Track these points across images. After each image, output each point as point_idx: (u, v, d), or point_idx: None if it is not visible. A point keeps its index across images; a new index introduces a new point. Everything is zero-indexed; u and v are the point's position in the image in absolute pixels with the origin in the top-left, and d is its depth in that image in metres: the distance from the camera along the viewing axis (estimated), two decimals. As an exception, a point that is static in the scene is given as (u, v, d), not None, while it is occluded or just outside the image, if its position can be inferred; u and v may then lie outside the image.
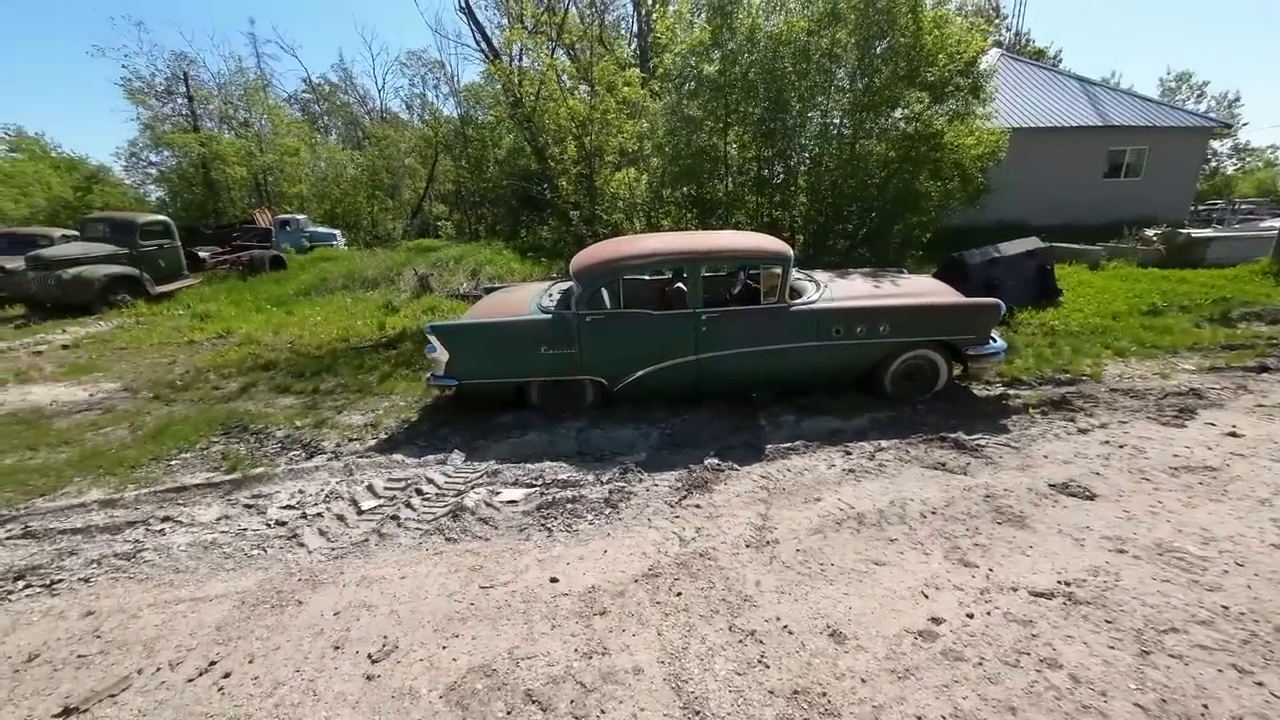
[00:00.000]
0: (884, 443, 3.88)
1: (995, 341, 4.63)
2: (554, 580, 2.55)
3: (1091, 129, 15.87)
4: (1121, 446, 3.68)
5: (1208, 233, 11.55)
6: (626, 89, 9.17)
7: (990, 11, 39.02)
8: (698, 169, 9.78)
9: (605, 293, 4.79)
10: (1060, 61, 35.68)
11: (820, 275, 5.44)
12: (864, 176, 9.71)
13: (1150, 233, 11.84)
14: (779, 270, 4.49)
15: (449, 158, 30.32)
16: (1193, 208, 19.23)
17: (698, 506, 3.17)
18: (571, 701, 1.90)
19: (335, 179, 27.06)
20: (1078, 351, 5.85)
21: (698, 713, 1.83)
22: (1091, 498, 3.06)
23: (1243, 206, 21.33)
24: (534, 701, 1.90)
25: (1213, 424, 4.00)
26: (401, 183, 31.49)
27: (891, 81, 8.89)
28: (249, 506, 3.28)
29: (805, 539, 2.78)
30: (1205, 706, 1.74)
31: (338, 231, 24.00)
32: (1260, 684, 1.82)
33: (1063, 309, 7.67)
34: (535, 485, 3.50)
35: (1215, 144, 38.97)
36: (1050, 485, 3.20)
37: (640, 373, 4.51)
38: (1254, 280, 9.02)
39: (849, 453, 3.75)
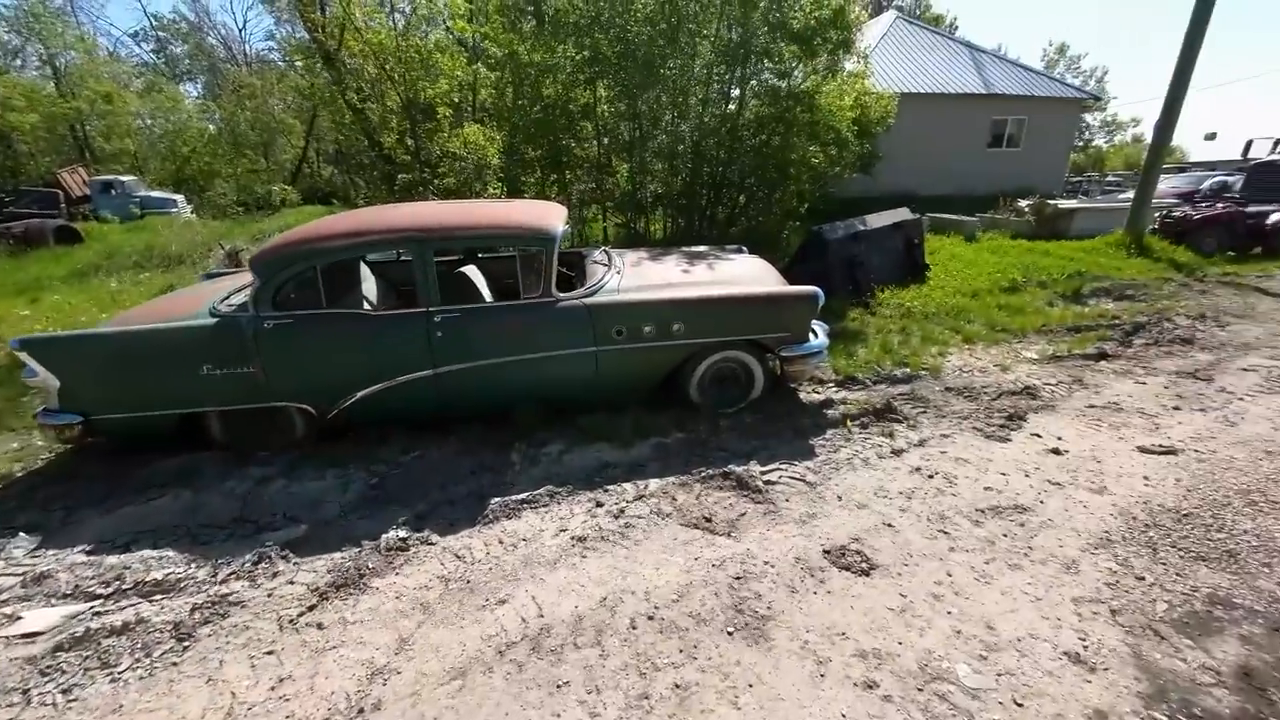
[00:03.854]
0: (652, 484, 2.96)
1: (815, 338, 3.83)
2: None
3: (977, 97, 15.86)
4: (932, 477, 2.97)
5: (1073, 204, 11.74)
6: (458, 23, 7.55)
7: (895, -25, 39.43)
8: (552, 125, 8.42)
9: (322, 285, 3.48)
10: (956, 29, 36.66)
11: (628, 256, 4.43)
12: (739, 138, 8.77)
13: (1023, 204, 11.88)
14: (540, 254, 3.41)
15: (328, 111, 26.59)
16: (1067, 179, 20.16)
17: (319, 626, 2.09)
18: None
19: (180, 134, 22.88)
20: (927, 339, 5.27)
21: None
22: (869, 571, 2.27)
23: (1110, 179, 22.75)
24: None
25: (1038, 435, 3.40)
26: (275, 140, 27.35)
27: (760, 27, 7.87)
28: None
29: (429, 694, 1.78)
30: None
31: (179, 197, 20.47)
32: None
33: (926, 287, 7.20)
34: (101, 595, 2.28)
35: (1088, 117, 41.99)
36: (826, 552, 2.39)
37: (360, 394, 3.33)
38: (1108, 252, 9.07)
39: (600, 503, 2.80)
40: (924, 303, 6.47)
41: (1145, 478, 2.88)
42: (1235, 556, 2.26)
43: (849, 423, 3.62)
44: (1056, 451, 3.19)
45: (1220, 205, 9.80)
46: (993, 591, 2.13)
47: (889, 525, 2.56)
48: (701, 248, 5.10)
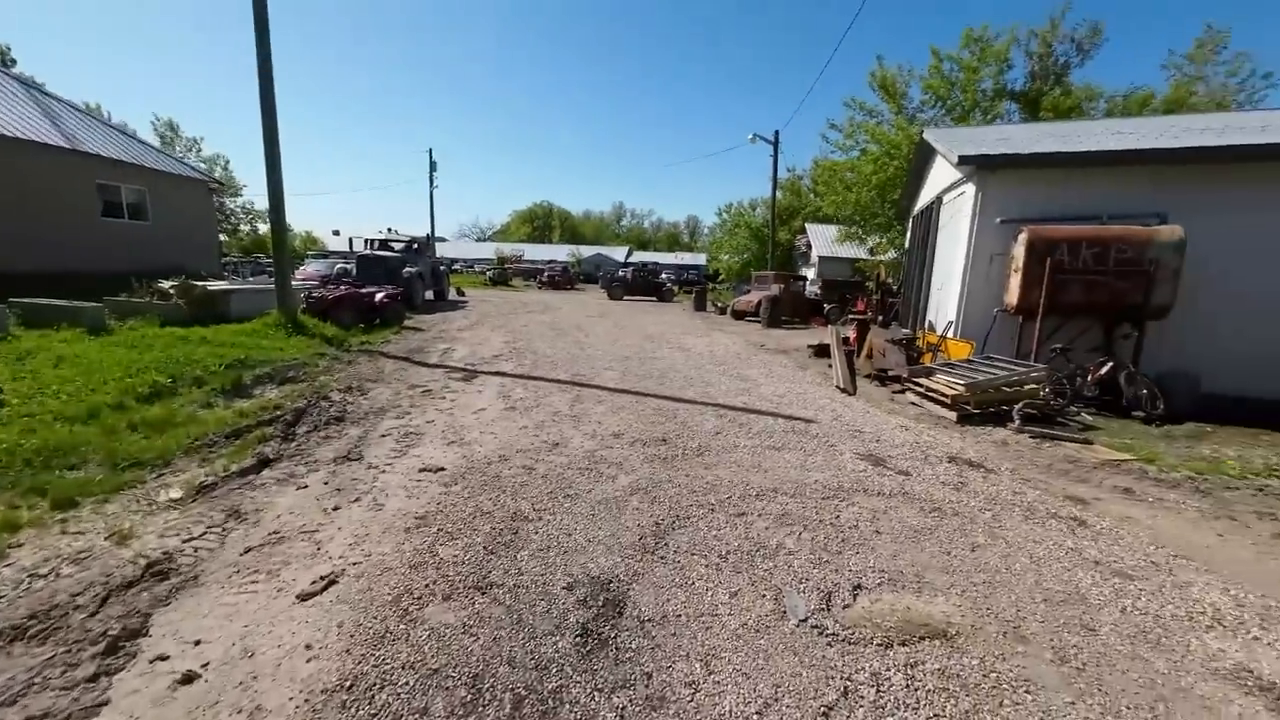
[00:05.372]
0: None
1: None
2: None
3: (68, 154, 12.41)
4: None
5: (225, 285, 11.21)
6: None
7: None
8: None
9: None
10: (14, 63, 29.13)
11: None
12: None
13: (166, 285, 10.20)
14: None
15: None
16: (226, 259, 19.91)
17: None
18: None
19: None
20: (-34, 533, 2.88)
21: None
22: None
23: (264, 260, 24.47)
24: None
25: (165, 655, 2.16)
26: None
27: None
28: None
29: None
30: None
31: None
32: None
33: (-9, 423, 4.38)
34: None
35: (231, 203, 44.04)
36: None
37: None
38: (269, 333, 8.98)
39: None
40: (-23, 455, 3.78)
41: (308, 647, 2.23)
42: (401, 724, 1.88)
43: None
44: (190, 679, 2.05)
45: (345, 286, 11.91)
46: None
47: None
48: None
